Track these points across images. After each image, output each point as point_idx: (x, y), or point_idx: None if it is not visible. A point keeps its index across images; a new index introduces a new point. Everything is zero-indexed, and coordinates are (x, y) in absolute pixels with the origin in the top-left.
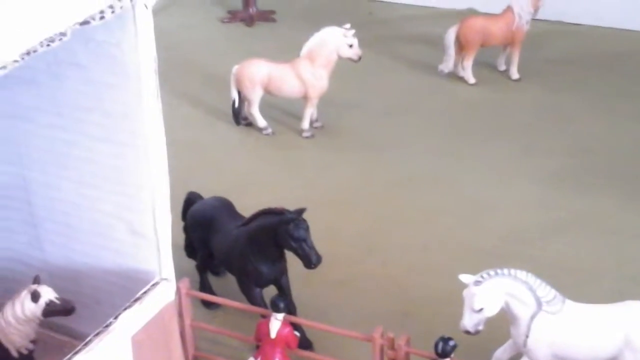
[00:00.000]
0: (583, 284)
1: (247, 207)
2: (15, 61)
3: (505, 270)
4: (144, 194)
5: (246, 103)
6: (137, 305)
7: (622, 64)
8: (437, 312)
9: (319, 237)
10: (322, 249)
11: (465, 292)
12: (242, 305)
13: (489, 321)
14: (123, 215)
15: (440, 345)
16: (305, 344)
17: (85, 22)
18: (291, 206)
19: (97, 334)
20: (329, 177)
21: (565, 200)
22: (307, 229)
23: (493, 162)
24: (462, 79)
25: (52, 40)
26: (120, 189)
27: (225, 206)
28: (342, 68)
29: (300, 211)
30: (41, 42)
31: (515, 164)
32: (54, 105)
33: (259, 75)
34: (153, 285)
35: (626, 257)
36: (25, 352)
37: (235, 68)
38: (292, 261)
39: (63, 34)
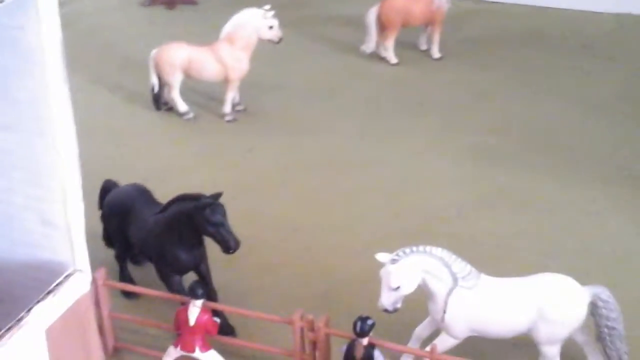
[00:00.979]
0: (501, 259)
1: (168, 193)
2: None
3: (421, 248)
4: (54, 183)
5: (166, 88)
6: (50, 298)
7: (539, 41)
8: (359, 292)
9: (241, 221)
10: (244, 233)
11: (382, 271)
12: (161, 293)
13: (409, 299)
14: (34, 206)
15: (359, 324)
16: (227, 330)
17: None
18: (213, 191)
19: (9, 329)
20: (252, 161)
21: (484, 176)
22: (224, 213)
23: (415, 141)
24: (384, 60)
25: None
26: (30, 179)
27: (142, 193)
28: (264, 50)
29: (217, 195)
30: None
31: (436, 142)
32: None
33: (178, 59)
34: (66, 276)
35: (543, 231)
36: None
37: (154, 52)
38: (214, 247)
39: None
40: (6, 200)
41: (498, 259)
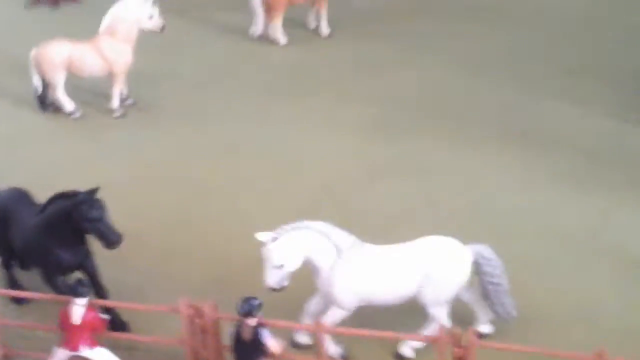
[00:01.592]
0: (397, 228)
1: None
2: None
3: (301, 224)
4: None
5: (50, 88)
6: None
7: (425, 10)
8: (255, 276)
9: (135, 214)
10: (139, 226)
11: (264, 250)
12: (46, 296)
13: (299, 275)
14: None
15: (243, 305)
16: (119, 325)
17: None
18: (106, 189)
19: None
20: (145, 154)
21: (378, 148)
22: (102, 208)
23: (308, 120)
24: (273, 42)
25: None
26: None
27: (21, 197)
28: (150, 40)
29: (93, 191)
30: None
31: (330, 118)
32: None
33: (59, 56)
34: None
35: (437, 198)
36: None
37: (33, 52)
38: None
39: None
40: None
41: (392, 228)
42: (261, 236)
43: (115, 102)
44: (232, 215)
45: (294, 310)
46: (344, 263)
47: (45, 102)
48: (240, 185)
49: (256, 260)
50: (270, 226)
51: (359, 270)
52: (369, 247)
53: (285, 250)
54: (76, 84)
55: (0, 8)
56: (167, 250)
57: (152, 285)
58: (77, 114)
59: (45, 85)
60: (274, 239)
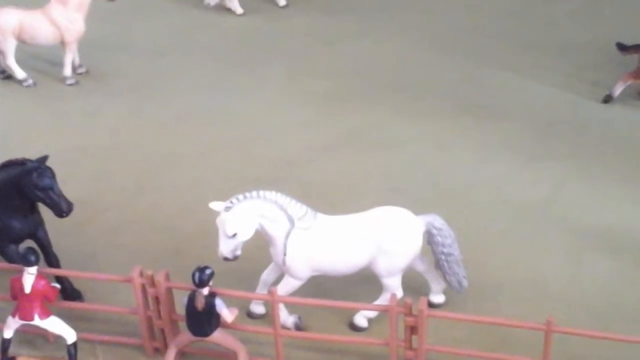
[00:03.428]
0: (351, 199)
1: None
2: None
3: (254, 193)
4: None
5: (1, 55)
6: None
7: None
8: (208, 246)
9: (87, 184)
10: (91, 196)
11: (217, 220)
12: None
13: (255, 245)
14: None
15: (197, 274)
16: (73, 294)
17: None
18: (58, 157)
19: None
20: (98, 123)
21: (334, 120)
22: (52, 176)
23: (265, 91)
24: (230, 11)
25: None
26: None
27: None
28: (104, 9)
29: (43, 159)
30: None
31: (286, 90)
32: None
33: (8, 24)
34: None
35: (391, 169)
36: None
37: None
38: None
39: None
40: None
41: (347, 200)
42: (214, 205)
43: (67, 70)
44: (186, 185)
45: (250, 280)
46: (297, 233)
47: None
48: (194, 155)
49: (210, 231)
50: (224, 197)
51: (312, 240)
52: (322, 217)
53: (238, 219)
54: (30, 51)
55: None
56: (120, 220)
57: (106, 255)
58: (30, 82)
59: None
60: (227, 209)
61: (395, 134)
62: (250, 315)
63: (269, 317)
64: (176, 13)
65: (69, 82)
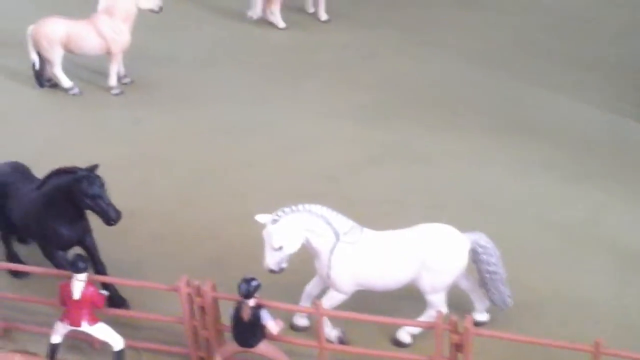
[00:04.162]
0: (393, 214)
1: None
2: None
3: (301, 206)
4: None
5: (48, 64)
6: None
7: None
8: (252, 257)
9: (131, 193)
10: (135, 204)
11: (264, 232)
12: (46, 270)
13: (299, 258)
14: None
15: (242, 286)
16: (118, 301)
17: None
18: (103, 166)
19: None
20: (142, 133)
21: (374, 134)
22: (101, 185)
23: (306, 104)
24: (272, 24)
25: None
26: None
27: (20, 171)
28: (149, 20)
29: (93, 167)
30: None
31: (326, 103)
32: None
33: (56, 34)
34: None
35: (432, 185)
36: None
37: (30, 28)
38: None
39: None
40: None
41: (388, 215)
42: (260, 218)
43: (112, 80)
44: (230, 197)
45: (294, 293)
46: (343, 247)
47: (42, 78)
48: (237, 166)
49: (254, 242)
50: (267, 208)
51: (358, 255)
52: (367, 232)
53: (285, 232)
54: (76, 60)
55: None
56: (164, 230)
57: (150, 265)
58: (75, 91)
59: (43, 61)
60: (274, 221)
61: (435, 149)
62: (294, 327)
63: (312, 330)
64: (220, 26)
65: (114, 92)
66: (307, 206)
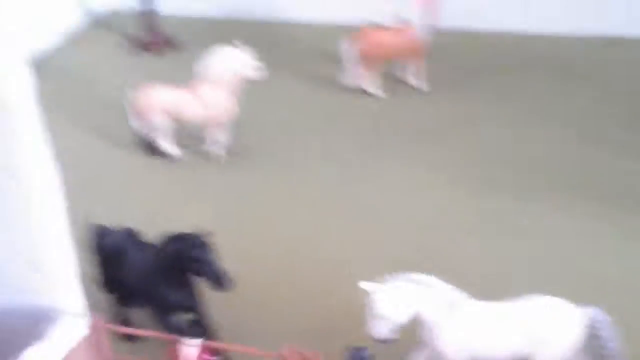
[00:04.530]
0: (493, 287)
1: (155, 238)
2: None
3: (408, 275)
4: (39, 222)
5: (150, 131)
6: (43, 345)
7: (527, 70)
8: (357, 326)
9: (232, 260)
10: (235, 270)
11: (369, 300)
12: (160, 334)
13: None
14: (19, 249)
15: (356, 355)
16: None
17: None
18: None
19: None
20: (240, 200)
21: (474, 204)
22: (211, 251)
23: (404, 174)
24: (368, 94)
25: None
26: (12, 220)
27: (133, 236)
28: (247, 88)
29: (205, 233)
30: None
31: (426, 173)
32: None
33: (157, 101)
34: (60, 321)
35: (535, 257)
36: None
37: (132, 96)
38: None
39: None
40: None
41: (490, 287)
42: (365, 285)
43: (214, 148)
44: (329, 264)
45: None
46: (452, 317)
47: (145, 145)
48: (336, 234)
49: (357, 311)
50: (364, 277)
51: (468, 326)
52: (477, 302)
53: (392, 301)
54: (176, 127)
55: (106, 54)
56: (264, 298)
57: (248, 331)
58: (176, 157)
59: (145, 128)
60: (380, 290)
61: (539, 222)
62: None
63: None
64: (315, 94)
65: (215, 158)
66: (414, 275)
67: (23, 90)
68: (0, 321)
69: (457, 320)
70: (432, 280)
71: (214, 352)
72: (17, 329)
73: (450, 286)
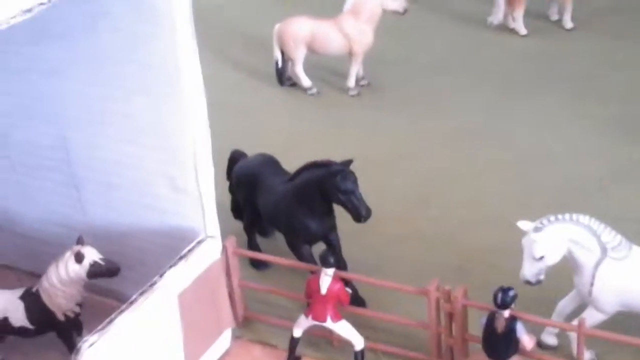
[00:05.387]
0: None
1: (293, 168)
2: (42, 4)
3: (567, 216)
4: (184, 148)
5: (290, 63)
6: (182, 263)
7: None
8: (493, 264)
9: (368, 193)
10: (372, 205)
11: (524, 240)
12: (292, 262)
13: (551, 270)
14: (164, 171)
15: (500, 295)
16: (357, 301)
17: None
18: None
19: (142, 293)
20: (377, 135)
21: (623, 148)
22: (355, 181)
23: (547, 113)
24: (513, 31)
25: None
26: (160, 144)
27: (270, 163)
28: (387, 24)
29: (348, 162)
30: None
31: (569, 113)
32: (88, 59)
33: (301, 33)
34: (198, 242)
35: None
36: (71, 315)
37: (277, 27)
38: (342, 217)
39: None
40: (136, 165)
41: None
42: (522, 225)
43: (351, 81)
44: (465, 203)
45: (544, 307)
46: (610, 263)
47: (283, 76)
48: (472, 171)
49: (492, 250)
50: (505, 218)
51: (625, 273)
52: (637, 249)
53: (549, 242)
54: (314, 61)
55: None
56: (400, 232)
57: (388, 267)
58: (314, 91)
59: (285, 59)
60: (537, 229)
61: None
62: (541, 345)
63: (559, 349)
64: (458, 30)
65: (351, 93)
66: (573, 216)
67: (182, 11)
68: (146, 239)
69: (614, 266)
70: (593, 222)
71: (346, 283)
72: (159, 248)
73: (610, 229)
